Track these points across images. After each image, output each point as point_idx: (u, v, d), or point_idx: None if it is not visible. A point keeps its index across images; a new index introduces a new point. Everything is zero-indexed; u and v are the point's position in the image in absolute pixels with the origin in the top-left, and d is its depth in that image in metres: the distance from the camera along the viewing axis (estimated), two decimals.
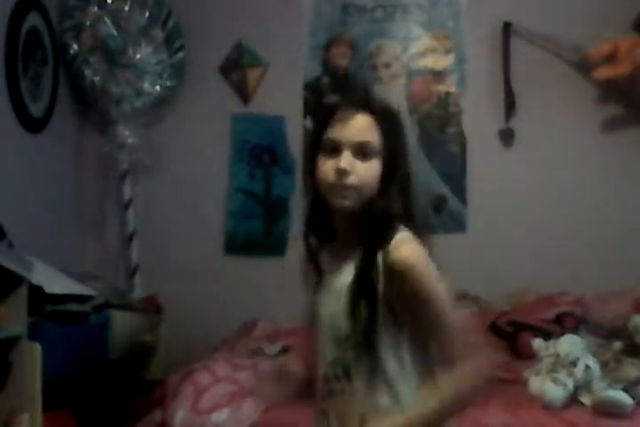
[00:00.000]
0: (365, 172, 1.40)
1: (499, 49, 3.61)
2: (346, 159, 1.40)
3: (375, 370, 1.39)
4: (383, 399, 1.39)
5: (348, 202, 1.41)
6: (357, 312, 1.38)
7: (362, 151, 1.41)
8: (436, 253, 1.41)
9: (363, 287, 1.38)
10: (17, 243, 2.75)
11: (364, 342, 1.38)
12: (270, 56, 3.75)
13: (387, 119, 1.44)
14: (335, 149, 1.41)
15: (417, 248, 1.39)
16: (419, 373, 1.40)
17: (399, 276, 1.36)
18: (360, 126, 1.42)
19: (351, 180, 1.39)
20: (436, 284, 1.37)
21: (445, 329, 1.36)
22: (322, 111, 1.51)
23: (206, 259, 3.70)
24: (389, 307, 1.38)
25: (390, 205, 1.42)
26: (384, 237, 1.39)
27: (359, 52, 3.72)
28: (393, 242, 1.39)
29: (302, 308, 1.56)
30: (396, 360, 1.39)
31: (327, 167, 1.41)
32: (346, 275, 1.42)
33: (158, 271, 3.69)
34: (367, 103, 1.45)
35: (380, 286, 1.38)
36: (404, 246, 1.38)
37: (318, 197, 1.46)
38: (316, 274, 1.52)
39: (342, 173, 1.39)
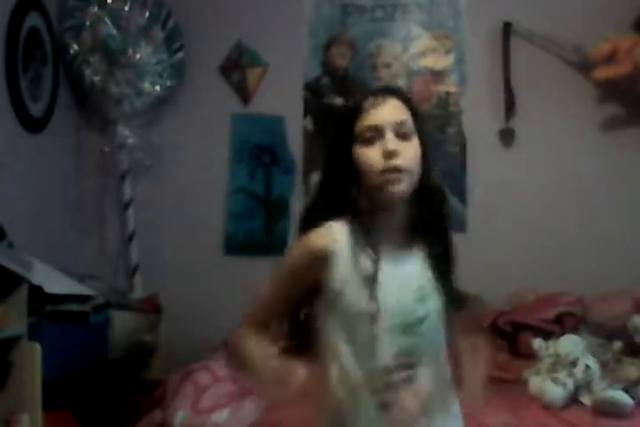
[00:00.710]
0: (411, 152, 1.41)
1: (499, 49, 3.61)
2: (391, 140, 1.39)
3: (444, 351, 1.45)
4: (447, 378, 1.46)
5: (402, 187, 1.39)
6: (443, 294, 1.44)
7: (402, 131, 1.41)
8: None
9: (447, 270, 1.46)
10: (17, 243, 2.75)
11: (444, 322, 1.44)
12: (270, 56, 3.75)
13: (410, 101, 1.47)
14: (374, 136, 1.40)
15: None
16: None
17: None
18: (395, 106, 1.43)
19: (401, 161, 1.38)
20: None
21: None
22: (349, 105, 1.51)
23: (206, 259, 3.70)
24: None
25: (442, 185, 1.47)
26: (449, 218, 1.47)
27: (359, 52, 3.72)
28: None
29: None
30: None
31: (372, 154, 1.39)
32: (414, 261, 1.44)
33: (158, 271, 3.69)
34: (389, 88, 1.49)
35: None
36: None
37: (357, 192, 1.43)
38: (378, 263, 1.41)
39: (392, 154, 1.38)
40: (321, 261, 1.41)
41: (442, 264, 1.46)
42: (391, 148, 1.38)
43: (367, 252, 1.40)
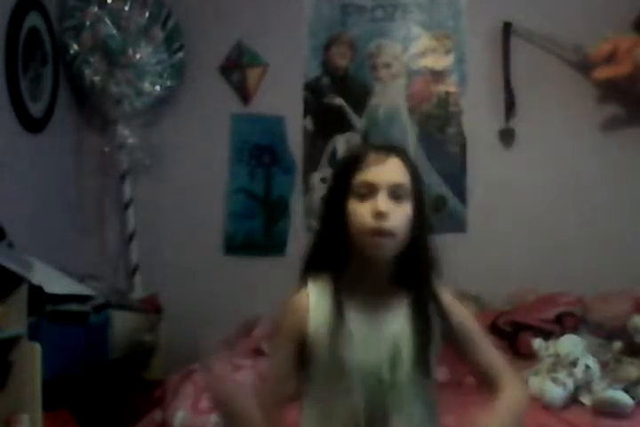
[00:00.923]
0: (400, 215, 1.40)
1: (499, 49, 3.61)
2: (384, 201, 1.38)
3: (422, 409, 1.44)
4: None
5: (385, 251, 1.40)
6: (419, 357, 1.42)
7: (396, 193, 1.40)
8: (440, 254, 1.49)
9: (427, 332, 1.42)
10: (17, 243, 2.75)
11: (418, 383, 1.42)
12: (270, 56, 3.75)
13: (411, 162, 1.46)
14: (368, 193, 1.40)
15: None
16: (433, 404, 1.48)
17: (449, 313, 1.45)
18: (394, 168, 1.43)
19: (389, 223, 1.38)
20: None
21: (487, 341, 1.49)
22: (350, 156, 1.49)
23: (206, 259, 3.71)
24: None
25: (433, 248, 1.45)
26: (434, 279, 1.45)
27: (359, 52, 3.72)
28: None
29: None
30: (428, 399, 1.46)
31: (363, 211, 1.39)
32: (393, 322, 1.43)
33: (158, 271, 3.69)
34: (396, 149, 1.47)
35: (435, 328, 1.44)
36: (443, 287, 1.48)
37: (343, 243, 1.43)
38: (341, 321, 1.43)
39: (382, 215, 1.37)
40: (300, 324, 1.45)
41: (423, 324, 1.43)
42: (381, 208, 1.38)
43: (337, 309, 1.42)
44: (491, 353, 1.48)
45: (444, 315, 1.44)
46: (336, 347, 1.40)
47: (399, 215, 1.40)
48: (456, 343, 1.48)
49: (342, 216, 1.42)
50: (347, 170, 1.44)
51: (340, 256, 1.45)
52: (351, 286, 1.45)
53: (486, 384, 1.48)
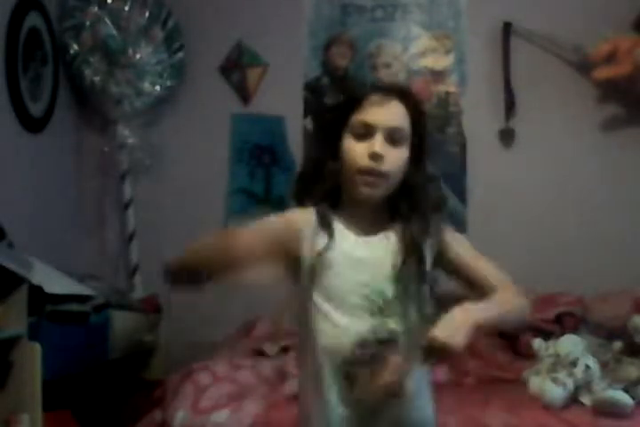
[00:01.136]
0: (396, 158, 1.42)
1: (499, 49, 3.61)
2: (380, 144, 1.40)
3: (418, 327, 1.44)
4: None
5: (375, 191, 1.42)
6: (415, 274, 1.44)
7: (393, 137, 1.42)
8: None
9: (420, 252, 1.44)
10: (17, 243, 2.75)
11: (415, 300, 1.44)
12: (270, 56, 3.75)
13: (416, 109, 1.46)
14: (366, 133, 1.41)
15: None
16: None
17: (447, 245, 1.49)
18: (395, 112, 1.43)
19: (384, 165, 1.40)
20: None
21: (490, 263, 1.56)
22: (353, 92, 1.49)
23: None
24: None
25: (428, 180, 1.50)
26: (430, 217, 1.47)
27: (359, 52, 3.72)
28: None
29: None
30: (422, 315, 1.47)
31: (358, 150, 1.41)
32: (384, 243, 1.45)
33: (158, 271, 3.67)
34: (401, 91, 1.47)
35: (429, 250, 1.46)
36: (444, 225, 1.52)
37: (333, 178, 1.45)
38: (330, 243, 1.45)
39: (377, 157, 1.39)
40: (292, 234, 1.45)
41: (414, 251, 1.46)
42: (377, 150, 1.39)
43: (327, 233, 1.44)
44: (495, 271, 1.54)
45: (441, 247, 1.48)
46: (317, 268, 1.42)
47: (394, 158, 1.42)
48: (456, 273, 1.51)
49: (336, 151, 1.44)
50: (347, 107, 1.44)
51: (331, 189, 1.46)
52: (345, 217, 1.47)
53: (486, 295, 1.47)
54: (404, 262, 1.44)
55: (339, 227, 1.47)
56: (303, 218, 1.47)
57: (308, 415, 1.48)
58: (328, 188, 1.47)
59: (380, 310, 1.43)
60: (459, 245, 1.52)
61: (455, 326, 1.31)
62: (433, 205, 1.50)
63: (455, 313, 1.34)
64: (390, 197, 1.47)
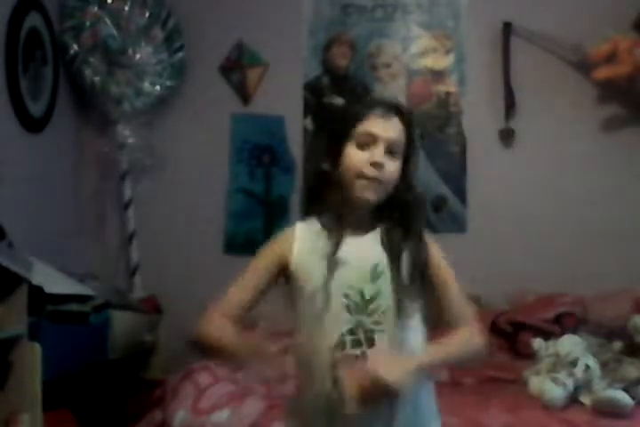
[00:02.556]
0: (392, 169, 1.54)
1: (499, 49, 3.61)
2: (381, 154, 1.52)
3: (402, 332, 1.51)
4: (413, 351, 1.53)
5: (374, 195, 1.53)
6: (407, 283, 1.53)
7: (392, 149, 1.54)
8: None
9: (416, 265, 1.54)
10: (17, 243, 2.75)
11: (399, 307, 1.51)
12: (270, 56, 3.75)
13: (411, 126, 1.59)
14: (368, 143, 1.53)
15: None
16: (423, 334, 1.56)
17: (428, 254, 1.57)
18: (395, 125, 1.56)
19: (383, 173, 1.52)
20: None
21: (459, 291, 1.62)
22: (360, 105, 1.62)
23: (206, 259, 3.70)
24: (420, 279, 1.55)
25: (420, 193, 1.61)
26: (423, 220, 1.60)
27: (359, 52, 3.72)
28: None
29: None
30: (414, 325, 1.54)
31: (360, 159, 1.52)
32: (371, 248, 1.54)
33: (158, 271, 3.68)
34: (400, 108, 1.59)
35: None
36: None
37: (330, 181, 1.56)
38: (335, 248, 1.55)
39: (378, 166, 1.51)
40: (283, 259, 1.63)
41: (393, 253, 1.54)
42: (378, 159, 1.51)
43: (331, 236, 1.56)
44: (460, 302, 1.61)
45: (421, 252, 1.56)
46: (328, 270, 1.52)
47: (392, 168, 1.54)
48: (430, 284, 1.58)
49: (337, 160, 1.55)
50: (352, 118, 1.56)
51: (332, 195, 1.58)
52: (339, 220, 1.58)
53: (448, 328, 1.56)
54: (391, 262, 1.54)
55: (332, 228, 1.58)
56: (291, 235, 1.66)
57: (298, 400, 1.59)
58: (334, 198, 1.58)
59: (359, 310, 1.50)
60: (437, 267, 1.60)
61: (398, 364, 1.40)
62: (415, 213, 1.60)
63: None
64: (379, 203, 1.58)
